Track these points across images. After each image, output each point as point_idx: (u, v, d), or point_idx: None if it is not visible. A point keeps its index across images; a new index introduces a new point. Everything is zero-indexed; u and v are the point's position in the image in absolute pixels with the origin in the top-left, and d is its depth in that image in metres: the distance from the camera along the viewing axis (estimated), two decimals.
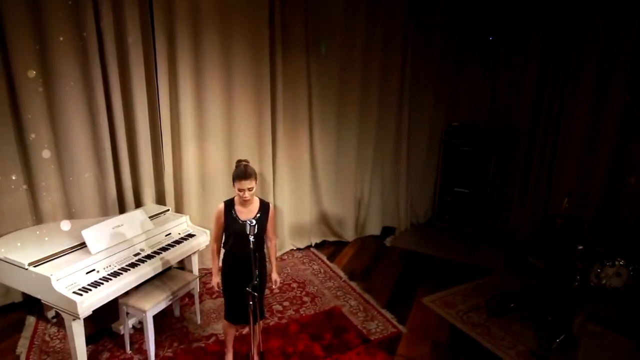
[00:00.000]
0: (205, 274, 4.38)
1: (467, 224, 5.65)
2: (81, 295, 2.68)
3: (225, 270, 2.77)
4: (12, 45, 3.29)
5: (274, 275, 2.87)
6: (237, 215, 2.68)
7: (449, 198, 5.73)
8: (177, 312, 3.67)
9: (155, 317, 3.13)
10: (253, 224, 2.41)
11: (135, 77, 3.77)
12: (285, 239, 4.99)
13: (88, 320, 3.45)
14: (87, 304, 2.67)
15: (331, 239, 5.33)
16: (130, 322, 3.36)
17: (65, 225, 3.07)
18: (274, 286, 2.91)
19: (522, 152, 5.35)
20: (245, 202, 2.68)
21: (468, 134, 5.48)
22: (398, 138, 5.47)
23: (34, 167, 3.57)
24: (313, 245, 5.19)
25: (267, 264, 2.94)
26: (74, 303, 2.59)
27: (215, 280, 2.77)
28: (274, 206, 4.32)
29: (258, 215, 2.71)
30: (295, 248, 5.07)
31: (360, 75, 4.97)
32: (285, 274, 4.47)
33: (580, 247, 3.25)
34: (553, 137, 5.01)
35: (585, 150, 4.71)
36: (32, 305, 3.71)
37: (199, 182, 4.32)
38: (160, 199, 4.17)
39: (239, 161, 2.70)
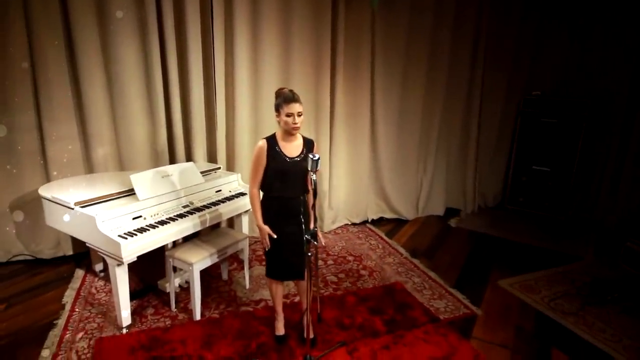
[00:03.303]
0: (255, 241, 4.11)
1: (545, 208, 4.96)
2: (126, 239, 2.47)
3: (265, 219, 2.39)
4: None
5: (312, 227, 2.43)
6: (282, 152, 2.32)
7: (524, 178, 5.07)
8: (225, 276, 3.42)
9: (202, 278, 2.88)
10: (316, 157, 2.05)
11: (191, 27, 3.55)
12: (340, 212, 4.62)
13: (134, 276, 3.33)
14: (132, 247, 2.45)
15: (389, 215, 4.88)
16: (177, 280, 3.15)
17: None
18: (319, 243, 2.40)
19: (618, 126, 4.60)
20: (290, 137, 2.33)
21: (551, 105, 4.79)
22: (468, 109, 4.91)
23: (87, 118, 3.47)
24: (369, 221, 4.78)
25: None
26: (117, 245, 2.38)
27: (267, 229, 2.35)
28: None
29: (304, 151, 2.35)
30: (350, 223, 4.69)
31: (429, 38, 4.49)
32: (340, 247, 4.09)
33: None
34: None
35: None
36: (81, 258, 3.64)
37: (252, 143, 4.04)
38: (212, 158, 3.95)
39: (279, 89, 2.35)
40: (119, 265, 2.49)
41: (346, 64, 4.22)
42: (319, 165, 2.07)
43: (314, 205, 2.11)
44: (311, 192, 2.11)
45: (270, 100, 3.92)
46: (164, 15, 3.46)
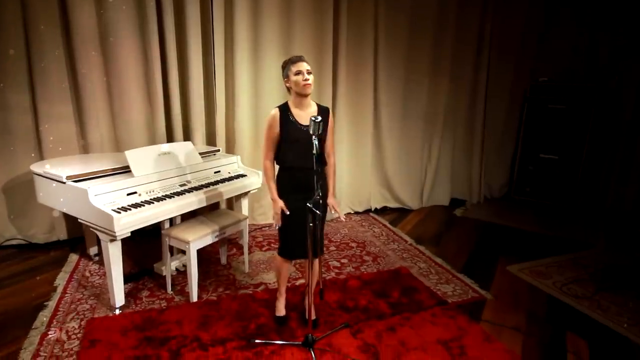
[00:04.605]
0: (254, 229, 4.00)
1: (553, 198, 4.82)
2: (119, 213, 2.36)
3: (280, 193, 2.28)
4: None
5: (331, 200, 2.32)
6: (295, 120, 2.21)
7: (531, 167, 4.94)
8: (223, 260, 3.30)
9: (199, 262, 2.78)
10: (319, 120, 1.94)
11: (190, 9, 3.44)
12: (342, 200, 4.50)
13: (129, 260, 3.22)
14: (125, 221, 2.34)
15: (393, 205, 4.77)
16: (174, 264, 3.04)
17: None
18: (333, 212, 2.33)
19: (629, 112, 4.48)
20: (304, 101, 2.21)
21: (559, 91, 4.68)
22: (473, 96, 4.80)
23: (83, 99, 3.37)
24: (373, 210, 4.66)
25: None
26: (110, 218, 2.27)
27: (279, 204, 2.23)
28: None
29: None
30: (352, 212, 4.57)
31: (434, 22, 4.39)
32: (343, 234, 3.97)
33: None
34: None
35: None
36: (76, 243, 3.53)
37: (252, 127, 3.94)
38: (211, 141, 3.84)
39: (284, 60, 2.25)
40: (112, 241, 2.38)
41: (349, 46, 4.13)
42: (321, 128, 1.95)
43: (316, 170, 1.99)
44: (314, 158, 1.99)
45: (270, 84, 3.88)
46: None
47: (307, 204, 1.98)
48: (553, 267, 3.41)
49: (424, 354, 2.25)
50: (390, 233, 4.04)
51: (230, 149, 3.88)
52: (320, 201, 2.04)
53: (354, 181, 4.52)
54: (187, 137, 3.71)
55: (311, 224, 2.02)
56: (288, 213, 2.21)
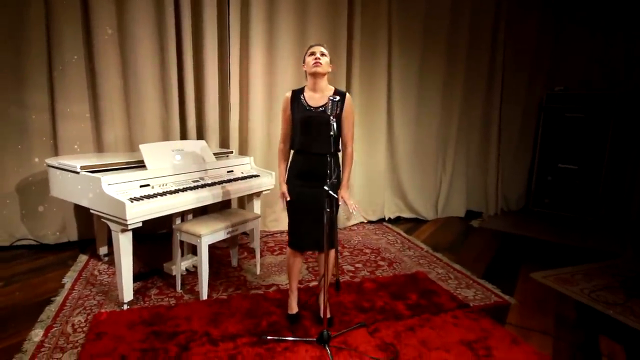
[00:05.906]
0: (265, 235, 3.92)
1: (574, 209, 4.66)
2: (132, 202, 2.32)
3: (289, 179, 2.22)
4: None
5: (343, 192, 2.17)
6: (305, 102, 2.15)
7: (550, 177, 4.81)
8: (234, 262, 3.21)
9: (210, 264, 2.70)
10: (336, 99, 1.89)
11: (207, 13, 3.52)
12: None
13: (139, 260, 3.15)
14: (137, 210, 2.29)
15: (407, 215, 4.65)
16: (184, 264, 2.96)
17: None
18: (342, 202, 2.15)
19: None
20: (318, 84, 2.14)
21: (576, 99, 4.61)
22: (488, 105, 4.75)
23: (100, 98, 3.41)
24: (386, 219, 4.54)
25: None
26: (122, 205, 2.22)
27: (282, 188, 2.22)
28: None
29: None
30: (366, 221, 4.46)
31: (446, 30, 4.41)
32: (356, 241, 3.86)
33: None
34: None
35: None
36: (86, 245, 3.48)
37: (265, 130, 3.92)
38: (224, 144, 3.83)
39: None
40: (123, 231, 2.33)
41: (362, 50, 4.15)
42: (337, 107, 1.91)
43: (333, 152, 1.93)
44: (331, 140, 1.93)
45: (284, 86, 3.87)
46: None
47: (324, 187, 1.91)
48: (579, 275, 3.25)
49: (448, 354, 2.11)
50: (405, 241, 3.92)
51: (243, 152, 3.86)
52: (336, 181, 1.97)
53: (366, 190, 4.44)
54: (201, 139, 3.69)
55: (328, 209, 1.94)
56: (288, 199, 2.17)
